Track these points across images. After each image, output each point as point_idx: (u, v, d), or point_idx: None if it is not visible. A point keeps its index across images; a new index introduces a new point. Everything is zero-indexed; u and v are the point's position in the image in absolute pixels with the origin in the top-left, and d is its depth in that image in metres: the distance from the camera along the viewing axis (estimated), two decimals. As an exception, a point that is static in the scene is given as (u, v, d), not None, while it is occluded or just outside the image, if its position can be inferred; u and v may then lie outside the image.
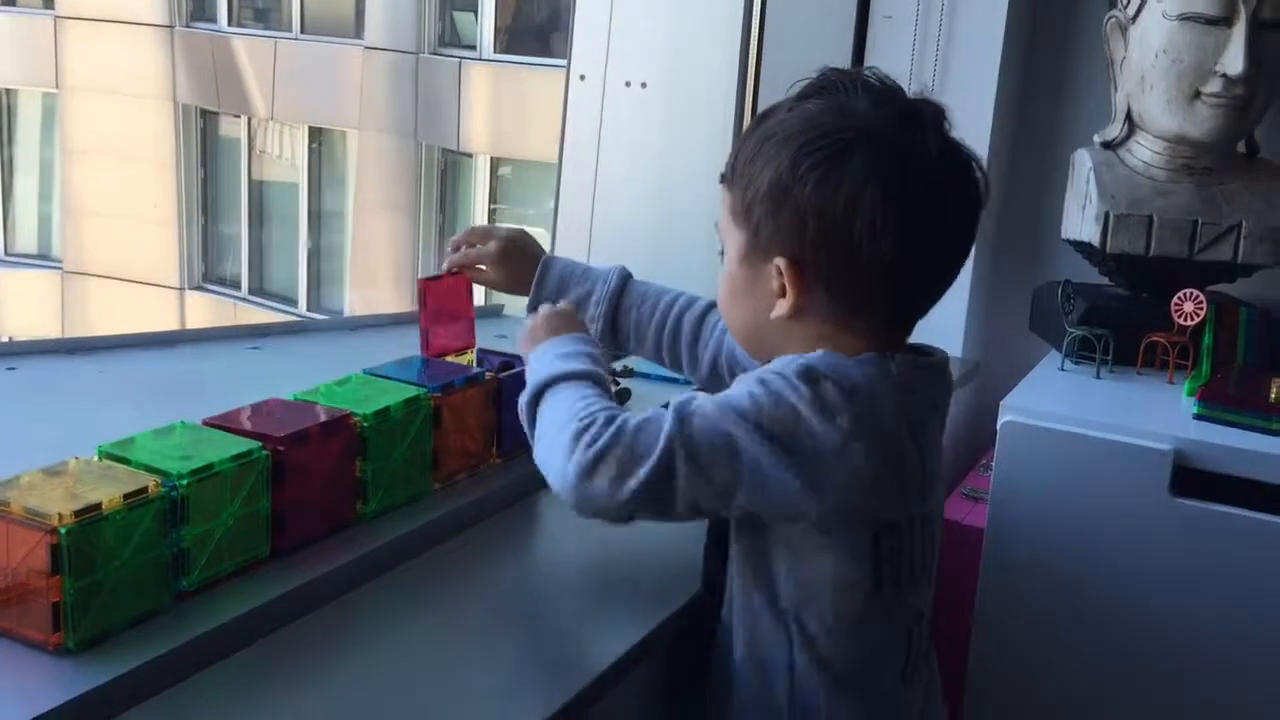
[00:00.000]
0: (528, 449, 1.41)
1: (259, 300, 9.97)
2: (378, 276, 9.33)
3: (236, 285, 10.11)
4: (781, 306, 1.05)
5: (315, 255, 9.86)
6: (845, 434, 0.99)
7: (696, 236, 2.17)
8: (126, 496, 0.97)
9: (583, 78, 2.31)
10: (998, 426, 1.65)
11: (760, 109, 2.11)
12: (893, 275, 1.03)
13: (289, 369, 1.78)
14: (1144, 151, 1.87)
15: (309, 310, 9.67)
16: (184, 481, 1.02)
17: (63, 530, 0.92)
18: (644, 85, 2.23)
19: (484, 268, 1.38)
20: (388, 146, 9.27)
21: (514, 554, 1.29)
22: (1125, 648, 1.61)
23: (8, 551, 0.94)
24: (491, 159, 9.07)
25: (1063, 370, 1.81)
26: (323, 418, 1.16)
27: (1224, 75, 1.73)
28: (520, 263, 1.37)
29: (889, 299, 1.06)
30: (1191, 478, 1.56)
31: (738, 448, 0.98)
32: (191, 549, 1.03)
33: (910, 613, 1.10)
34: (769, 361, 1.17)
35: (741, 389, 1.02)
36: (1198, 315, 1.77)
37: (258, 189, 10.06)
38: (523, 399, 1.12)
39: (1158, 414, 1.65)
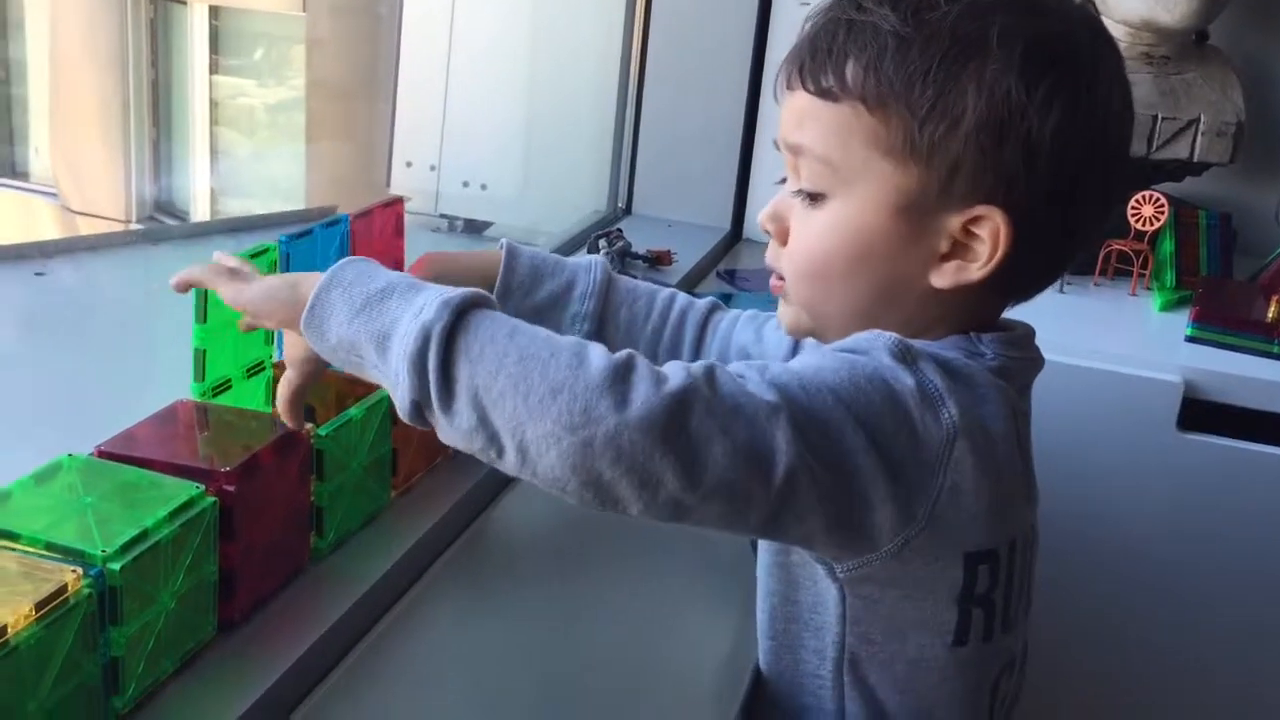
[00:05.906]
0: None
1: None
2: (83, 140, 8.35)
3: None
4: (965, 270, 0.77)
5: (3, 110, 8.73)
6: (951, 431, 0.73)
7: (589, 127, 1.87)
8: (39, 606, 0.64)
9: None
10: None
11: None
12: (1088, 235, 0.80)
13: (114, 311, 1.39)
14: (1099, 36, 1.69)
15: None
16: (115, 566, 0.68)
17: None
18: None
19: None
20: (84, -14, 8.21)
21: (514, 584, 1.01)
22: (1127, 594, 1.48)
23: None
24: (210, 7, 8.16)
25: (1020, 284, 1.64)
26: (272, 432, 0.83)
27: (1205, -47, 1.56)
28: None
29: (1060, 268, 0.82)
30: (1194, 409, 1.42)
31: (841, 440, 0.70)
32: (126, 656, 0.71)
33: (1001, 660, 0.86)
34: None
35: (822, 362, 0.73)
36: (1157, 220, 1.62)
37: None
38: (408, 353, 0.67)
39: (1136, 334, 1.51)
